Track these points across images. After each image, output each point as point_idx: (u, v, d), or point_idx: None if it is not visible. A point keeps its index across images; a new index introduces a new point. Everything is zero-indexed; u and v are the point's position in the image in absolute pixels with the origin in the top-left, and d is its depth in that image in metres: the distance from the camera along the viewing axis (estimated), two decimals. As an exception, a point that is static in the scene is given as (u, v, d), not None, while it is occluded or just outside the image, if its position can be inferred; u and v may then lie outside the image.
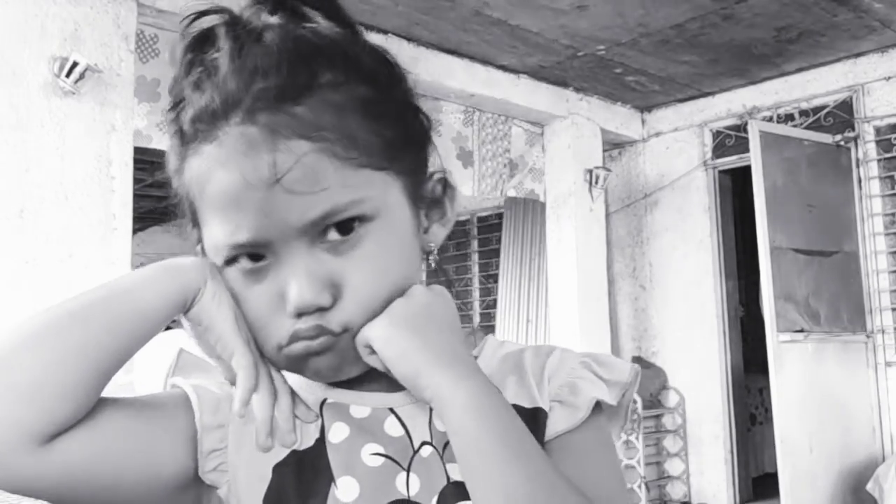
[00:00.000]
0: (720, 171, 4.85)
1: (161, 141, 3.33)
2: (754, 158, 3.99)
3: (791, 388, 3.84)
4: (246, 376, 0.59)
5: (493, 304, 5.89)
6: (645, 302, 5.09)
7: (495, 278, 5.93)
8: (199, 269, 0.61)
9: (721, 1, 3.58)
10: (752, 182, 3.99)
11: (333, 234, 0.59)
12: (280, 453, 0.62)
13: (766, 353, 3.86)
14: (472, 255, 6.37)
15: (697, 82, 4.66)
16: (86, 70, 2.77)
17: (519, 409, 0.61)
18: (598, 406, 0.64)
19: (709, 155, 4.85)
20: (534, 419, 0.62)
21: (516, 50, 4.11)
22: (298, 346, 0.59)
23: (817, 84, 4.43)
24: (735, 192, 4.99)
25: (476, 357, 0.68)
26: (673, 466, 4.88)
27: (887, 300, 4.21)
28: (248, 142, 0.57)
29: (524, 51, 4.13)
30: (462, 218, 6.24)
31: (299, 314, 0.58)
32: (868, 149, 4.27)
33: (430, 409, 0.63)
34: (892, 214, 4.23)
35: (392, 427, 0.63)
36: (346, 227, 0.59)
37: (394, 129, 0.62)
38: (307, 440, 0.63)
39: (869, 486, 3.71)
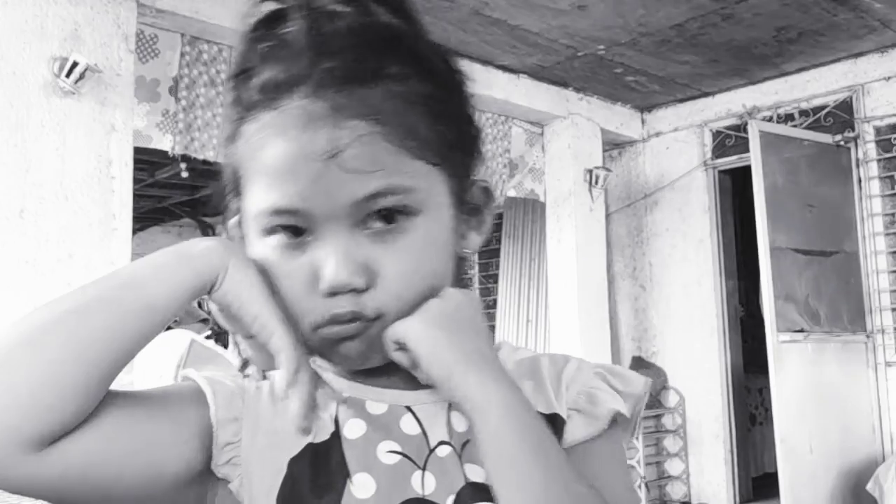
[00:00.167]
0: (720, 171, 4.85)
1: (161, 141, 3.34)
2: (754, 158, 3.99)
3: (791, 388, 3.84)
4: (290, 356, 0.58)
5: (493, 305, 5.89)
6: (645, 302, 5.08)
7: (495, 278, 5.93)
8: (217, 250, 0.59)
9: (721, 1, 3.58)
10: (752, 182, 3.99)
11: (377, 223, 0.59)
12: (296, 447, 0.61)
13: (766, 353, 3.86)
14: (471, 255, 6.36)
15: (697, 82, 4.66)
16: (86, 70, 2.77)
17: None
18: (613, 418, 0.65)
19: (709, 155, 4.85)
20: (552, 425, 0.63)
21: (516, 50, 4.11)
22: (334, 329, 0.59)
23: (817, 84, 4.43)
24: (735, 192, 4.99)
25: None
26: (673, 466, 4.88)
27: (887, 300, 4.21)
28: (309, 116, 0.57)
29: (524, 51, 4.13)
30: (462, 218, 6.23)
31: (332, 293, 0.58)
32: (868, 149, 4.27)
33: (448, 409, 0.63)
34: (892, 214, 4.23)
35: (408, 425, 0.63)
36: (390, 216, 0.59)
37: (449, 130, 0.63)
38: (322, 433, 0.62)
39: (869, 486, 3.71)
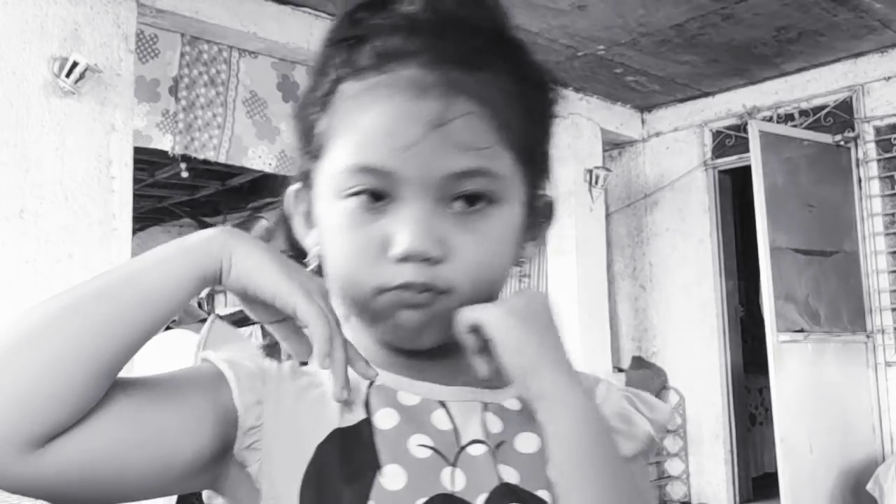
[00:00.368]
0: (720, 171, 4.85)
1: (161, 141, 3.34)
2: (754, 158, 3.99)
3: (791, 388, 3.84)
4: (321, 326, 0.57)
5: (493, 304, 5.89)
6: (645, 302, 5.08)
7: (495, 278, 5.93)
8: (217, 239, 0.58)
9: (721, 1, 3.58)
10: (752, 182, 3.99)
11: (460, 204, 0.60)
12: (322, 431, 0.60)
13: (766, 353, 3.86)
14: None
15: (697, 82, 4.66)
16: (86, 70, 2.77)
17: None
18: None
19: (709, 155, 4.85)
20: None
21: (516, 50, 4.11)
22: (402, 295, 0.59)
23: (817, 84, 4.43)
24: (735, 192, 4.99)
25: None
26: (673, 466, 4.88)
27: (887, 300, 4.21)
28: (420, 85, 0.59)
29: (524, 51, 4.12)
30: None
31: (405, 258, 0.58)
32: (868, 149, 4.27)
33: (483, 408, 0.63)
34: (892, 214, 4.23)
35: (440, 420, 0.62)
36: (473, 199, 0.60)
37: (535, 136, 0.67)
38: (352, 418, 0.61)
39: (869, 486, 3.71)
